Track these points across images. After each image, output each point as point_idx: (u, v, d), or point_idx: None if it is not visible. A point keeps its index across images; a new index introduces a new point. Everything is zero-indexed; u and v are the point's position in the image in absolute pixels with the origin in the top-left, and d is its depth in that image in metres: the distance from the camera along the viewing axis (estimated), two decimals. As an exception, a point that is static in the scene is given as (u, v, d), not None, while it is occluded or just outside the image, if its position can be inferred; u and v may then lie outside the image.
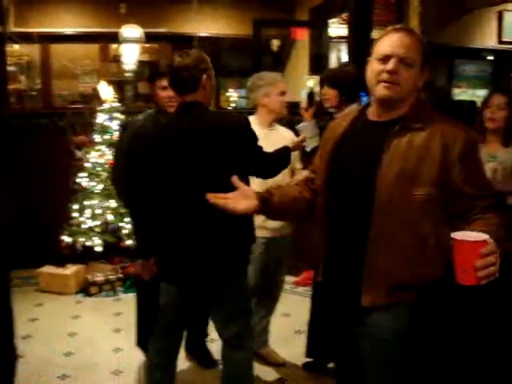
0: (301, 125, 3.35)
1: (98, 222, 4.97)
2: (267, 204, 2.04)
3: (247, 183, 2.34)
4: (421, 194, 1.83)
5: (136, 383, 3.50)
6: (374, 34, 5.23)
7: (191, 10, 7.46)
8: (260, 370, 3.43)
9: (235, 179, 2.01)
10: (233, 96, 5.96)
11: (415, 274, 1.89)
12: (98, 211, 4.97)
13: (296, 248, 3.61)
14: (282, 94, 3.29)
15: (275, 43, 8.33)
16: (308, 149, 3.25)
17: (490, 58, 8.83)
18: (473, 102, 5.46)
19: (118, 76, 7.76)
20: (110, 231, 4.96)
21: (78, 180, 5.08)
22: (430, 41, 6.35)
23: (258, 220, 2.84)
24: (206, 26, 7.80)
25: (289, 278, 4.92)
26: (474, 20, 8.20)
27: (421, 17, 6.59)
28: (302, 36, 7.74)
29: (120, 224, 4.96)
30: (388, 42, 1.90)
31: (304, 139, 3.13)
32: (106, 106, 5.14)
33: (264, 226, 3.20)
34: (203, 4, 7.58)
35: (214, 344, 3.68)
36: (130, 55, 7.54)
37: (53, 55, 7.07)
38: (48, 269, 5.07)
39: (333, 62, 7.53)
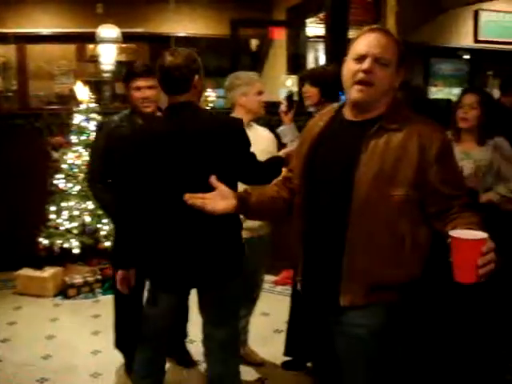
0: (281, 128, 3.35)
1: (75, 224, 4.92)
2: (245, 204, 2.05)
3: (236, 189, 2.32)
4: (399, 195, 1.84)
5: (115, 385, 3.48)
6: (351, 33, 5.26)
7: (168, 10, 7.45)
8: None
9: (213, 179, 2.01)
10: (211, 96, 5.94)
11: (393, 274, 1.90)
12: (76, 213, 4.93)
13: (275, 247, 3.61)
14: (260, 93, 3.29)
15: (254, 43, 8.34)
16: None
17: (466, 56, 8.91)
18: (449, 101, 5.51)
19: (95, 76, 7.72)
20: (87, 233, 4.93)
21: (54, 181, 5.03)
22: (407, 40, 6.41)
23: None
24: (183, 26, 7.79)
25: (268, 278, 4.93)
26: (450, 19, 8.27)
27: (397, 16, 6.64)
28: (280, 36, 7.76)
29: (98, 225, 4.92)
30: (364, 42, 1.91)
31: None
32: (82, 106, 5.10)
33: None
34: (180, 4, 7.57)
35: (193, 345, 3.67)
36: (108, 55, 7.51)
37: (29, 56, 7.00)
38: (26, 271, 5.02)
39: (310, 62, 7.56)
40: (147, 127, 2.66)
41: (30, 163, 5.30)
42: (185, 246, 2.45)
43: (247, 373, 3.52)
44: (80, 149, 5.00)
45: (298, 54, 7.49)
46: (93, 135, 4.72)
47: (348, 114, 2.01)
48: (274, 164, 2.82)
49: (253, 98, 3.27)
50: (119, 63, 7.64)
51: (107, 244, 4.81)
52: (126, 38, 7.31)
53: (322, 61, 6.72)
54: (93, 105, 5.16)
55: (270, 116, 4.51)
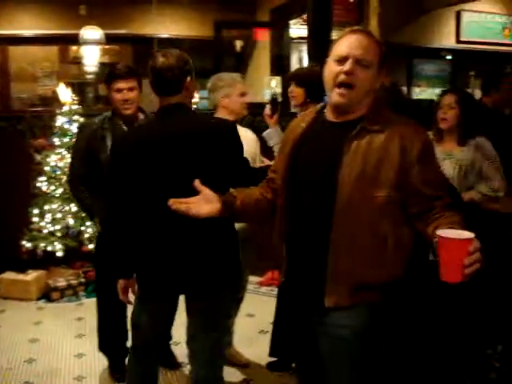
0: (267, 132, 3.35)
1: (58, 227, 4.89)
2: (230, 207, 2.05)
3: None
4: (381, 196, 1.85)
5: (99, 389, 3.46)
6: (334, 34, 5.27)
7: (151, 12, 7.42)
8: (224, 372, 3.41)
9: (197, 183, 2.01)
10: (195, 97, 5.94)
11: (376, 275, 1.90)
12: (59, 215, 4.89)
13: (259, 248, 3.61)
14: (242, 94, 3.29)
15: (238, 44, 8.34)
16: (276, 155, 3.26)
17: (449, 57, 8.97)
18: (431, 101, 5.55)
19: (78, 78, 7.68)
20: (70, 235, 4.90)
21: (37, 184, 4.99)
22: (390, 41, 6.45)
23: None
24: (166, 27, 7.76)
25: (253, 279, 4.94)
26: (432, 20, 8.32)
27: (380, 17, 6.66)
28: (263, 37, 7.77)
29: (81, 228, 4.89)
30: (345, 44, 1.91)
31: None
32: (65, 108, 5.06)
33: None
34: (163, 5, 7.55)
35: (178, 346, 3.66)
36: (91, 57, 7.49)
37: (11, 57, 6.96)
38: (8, 275, 4.99)
39: (294, 63, 7.57)
40: (139, 129, 2.63)
41: (12, 166, 5.25)
42: (176, 252, 2.41)
43: (232, 374, 3.53)
44: (63, 151, 4.97)
45: (282, 55, 7.50)
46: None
47: (330, 115, 2.01)
48: (266, 170, 2.79)
49: (235, 100, 3.27)
50: (102, 65, 7.61)
51: (91, 247, 4.78)
52: (109, 39, 7.28)
53: (306, 62, 6.72)
54: (75, 107, 5.13)
55: (253, 117, 4.53)
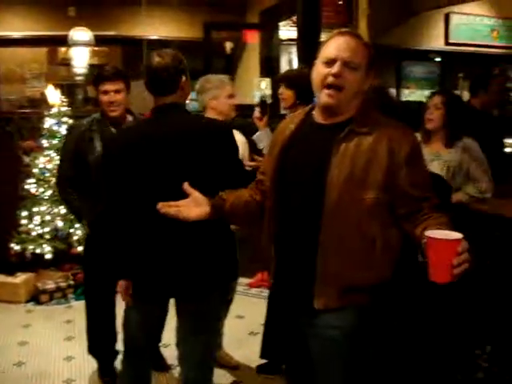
0: (257, 134, 3.34)
1: (47, 229, 4.87)
2: (220, 210, 2.05)
3: None
4: (370, 198, 1.85)
5: (88, 391, 3.45)
6: (323, 36, 5.29)
7: (141, 13, 7.42)
8: (214, 374, 3.40)
9: (186, 186, 2.01)
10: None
11: (364, 277, 1.91)
12: (48, 218, 4.87)
13: (249, 250, 3.60)
14: (230, 96, 3.29)
15: (228, 46, 8.34)
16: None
17: (438, 59, 9.01)
18: (420, 103, 5.58)
19: (67, 80, 7.66)
20: (59, 238, 4.87)
21: (26, 186, 4.97)
22: (379, 43, 6.49)
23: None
24: (155, 28, 7.76)
25: (243, 280, 4.94)
26: (421, 22, 8.35)
27: (369, 19, 6.69)
28: (253, 39, 7.78)
29: (70, 230, 4.87)
30: (333, 46, 1.91)
31: None
32: (54, 110, 5.04)
33: None
34: (153, 7, 7.55)
35: (167, 349, 3.65)
36: (80, 58, 7.47)
37: (0, 59, 6.91)
38: (-3, 278, 4.95)
39: (283, 65, 7.58)
40: (133, 129, 2.60)
41: (0, 168, 5.22)
42: (166, 254, 2.40)
43: (222, 376, 3.52)
44: (51, 153, 4.95)
45: (271, 57, 7.51)
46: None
47: (318, 117, 2.02)
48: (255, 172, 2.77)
49: (223, 101, 3.27)
50: (91, 66, 7.59)
51: (80, 249, 4.75)
52: (99, 41, 7.27)
53: (296, 64, 6.73)
54: (64, 108, 5.11)
55: (243, 119, 4.52)
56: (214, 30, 7.49)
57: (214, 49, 7.84)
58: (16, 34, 7.31)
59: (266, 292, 4.23)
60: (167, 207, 1.97)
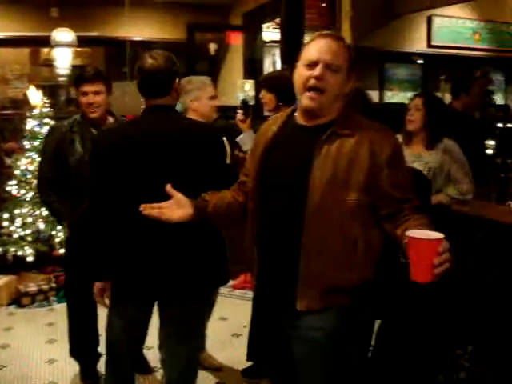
0: (240, 137, 3.33)
1: (29, 231, 4.83)
2: (202, 212, 2.05)
3: None
4: (352, 199, 1.86)
5: (70, 394, 3.43)
6: (307, 38, 5.31)
7: (124, 14, 7.39)
8: (197, 376, 3.41)
9: (169, 187, 2.00)
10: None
11: (346, 278, 1.91)
12: (29, 220, 4.83)
13: (232, 252, 3.60)
14: (212, 98, 3.28)
15: (212, 47, 8.34)
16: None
17: (420, 61, 9.08)
18: (402, 105, 5.61)
19: (50, 80, 7.61)
20: (41, 240, 4.84)
21: (7, 188, 4.92)
22: (362, 45, 6.52)
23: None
24: (139, 30, 7.75)
25: (226, 282, 4.94)
26: (404, 25, 8.42)
27: (352, 21, 6.72)
28: (236, 40, 7.79)
29: (52, 232, 4.83)
30: (315, 48, 1.92)
31: None
32: (36, 111, 5.01)
33: None
34: (136, 8, 7.52)
35: (150, 351, 3.64)
36: (62, 59, 7.43)
37: (-18, 60, 6.87)
38: (-22, 280, 4.90)
39: (267, 66, 7.60)
40: (123, 128, 2.54)
41: (-19, 169, 5.19)
42: (150, 256, 2.37)
43: (205, 378, 3.51)
44: (33, 154, 4.91)
45: (255, 59, 7.53)
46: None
47: (300, 119, 2.02)
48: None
49: (205, 103, 3.26)
50: (74, 67, 7.55)
51: (62, 251, 4.72)
52: (81, 41, 7.24)
53: (279, 65, 6.75)
54: (46, 109, 5.07)
55: (225, 121, 4.52)
56: (197, 32, 7.48)
57: (198, 50, 7.83)
58: (-2, 35, 7.26)
59: (249, 294, 4.23)
60: (149, 209, 1.96)
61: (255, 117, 3.66)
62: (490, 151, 5.40)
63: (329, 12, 6.77)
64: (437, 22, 8.77)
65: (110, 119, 3.20)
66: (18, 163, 4.95)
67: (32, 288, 4.82)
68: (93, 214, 2.48)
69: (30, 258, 4.83)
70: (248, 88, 6.89)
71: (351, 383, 2.04)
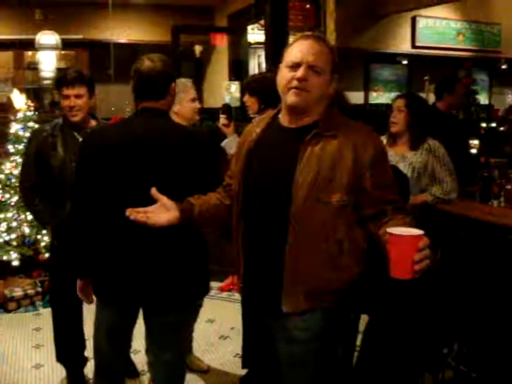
0: (225, 141, 3.32)
1: (14, 236, 4.79)
2: (189, 215, 2.05)
3: None
4: (336, 201, 1.87)
5: (57, 399, 3.41)
6: (291, 39, 5.32)
7: (108, 17, 7.36)
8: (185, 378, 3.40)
9: (154, 191, 2.00)
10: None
11: (332, 278, 1.92)
12: (14, 224, 4.80)
13: (220, 253, 3.61)
14: (194, 100, 3.26)
15: (198, 49, 8.34)
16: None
17: (405, 62, 9.13)
18: (389, 106, 5.64)
19: (35, 84, 7.57)
20: (27, 244, 4.81)
21: (-9, 192, 4.89)
22: (347, 46, 6.54)
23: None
24: (123, 32, 7.72)
25: (213, 284, 4.93)
26: (388, 25, 8.47)
27: (337, 23, 6.74)
28: (221, 42, 7.79)
29: (37, 236, 4.80)
30: (297, 49, 1.92)
31: None
32: (19, 115, 4.97)
33: None
34: (120, 10, 7.50)
35: (137, 355, 3.63)
36: (47, 62, 7.37)
37: (-36, 63, 6.81)
38: (-37, 286, 4.86)
39: (252, 68, 7.61)
40: (113, 132, 2.50)
41: (-35, 174, 5.13)
42: (135, 261, 2.35)
43: (193, 380, 3.51)
44: (18, 158, 4.87)
45: (240, 60, 7.53)
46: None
47: (284, 120, 2.02)
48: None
49: (187, 105, 3.23)
50: (59, 70, 7.51)
51: (48, 255, 4.69)
52: (66, 44, 7.19)
53: (264, 67, 6.76)
54: (31, 113, 5.04)
55: (212, 123, 4.52)
56: (182, 34, 7.48)
57: (183, 52, 7.82)
58: (-20, 38, 7.21)
59: (237, 295, 4.22)
60: (135, 213, 1.96)
61: (242, 119, 3.65)
62: (474, 151, 5.44)
63: (313, 13, 6.77)
64: (421, 23, 8.83)
65: (93, 122, 3.19)
66: (3, 167, 4.91)
67: (18, 293, 4.78)
68: (76, 216, 2.46)
69: (15, 263, 4.78)
70: (234, 90, 6.90)
71: (337, 383, 2.05)
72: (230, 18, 7.68)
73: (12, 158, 4.91)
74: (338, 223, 1.90)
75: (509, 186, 3.59)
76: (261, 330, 2.16)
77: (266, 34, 5.60)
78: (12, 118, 5.03)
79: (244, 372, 3.48)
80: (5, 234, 4.79)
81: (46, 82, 7.56)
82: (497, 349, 2.90)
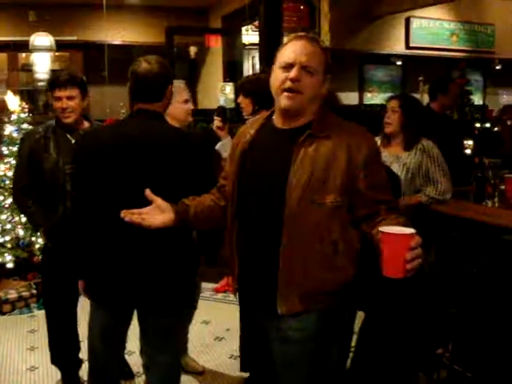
0: (219, 144, 3.32)
1: (8, 238, 4.79)
2: (184, 216, 2.05)
3: None
4: (330, 201, 1.87)
5: (52, 402, 3.41)
6: (286, 40, 5.33)
7: (102, 18, 7.35)
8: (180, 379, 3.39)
9: (149, 193, 1.99)
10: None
11: (327, 279, 1.92)
12: (8, 226, 4.79)
13: (214, 255, 3.60)
14: (186, 101, 3.24)
15: (193, 50, 8.33)
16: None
17: (399, 63, 9.15)
18: (383, 106, 5.64)
19: (29, 85, 7.55)
20: (21, 246, 4.80)
21: (-15, 194, 4.88)
22: (341, 47, 6.55)
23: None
24: (117, 33, 7.71)
25: (208, 285, 4.94)
26: (382, 26, 8.48)
27: (331, 24, 6.74)
28: (216, 43, 7.79)
29: (32, 239, 4.79)
30: (290, 50, 1.92)
31: None
32: (13, 117, 4.97)
33: None
34: (115, 12, 7.49)
35: (132, 356, 3.63)
36: (41, 64, 7.36)
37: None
38: (-43, 288, 4.85)
39: (246, 69, 7.61)
40: (109, 133, 2.50)
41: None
42: (129, 263, 2.35)
43: (188, 381, 3.50)
44: (11, 160, 4.86)
45: (235, 62, 7.53)
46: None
47: (277, 121, 2.02)
48: None
49: (179, 107, 3.20)
50: (53, 72, 7.49)
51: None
52: (60, 46, 7.18)
53: (259, 68, 6.77)
54: (25, 115, 5.03)
55: (206, 124, 4.52)
56: (176, 35, 7.47)
57: (178, 53, 7.82)
58: (-26, 40, 7.20)
59: (232, 297, 4.23)
60: (130, 215, 1.95)
61: (237, 120, 3.65)
62: (468, 151, 5.46)
63: (307, 14, 6.79)
64: (415, 24, 8.85)
65: (86, 124, 3.18)
66: (-4, 169, 4.91)
67: (12, 295, 4.78)
68: (74, 217, 2.48)
69: (10, 265, 4.80)
70: (228, 91, 6.90)
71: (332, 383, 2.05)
72: (224, 19, 7.68)
73: (6, 160, 4.91)
74: (333, 224, 1.90)
75: (503, 187, 3.59)
76: (256, 330, 2.16)
77: (261, 35, 5.60)
78: (6, 119, 5.02)
79: (240, 374, 3.48)
80: (-1, 236, 4.79)
81: (40, 83, 7.53)
82: (491, 348, 2.90)
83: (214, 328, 4.32)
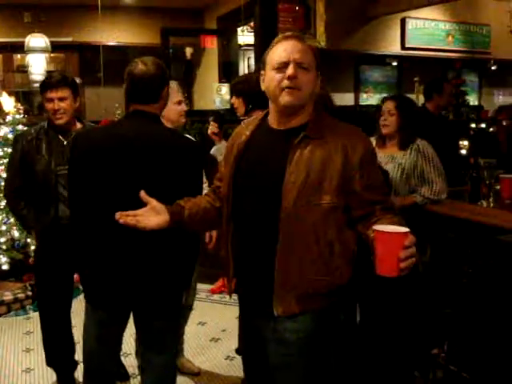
0: (214, 148, 3.32)
1: (3, 239, 4.78)
2: (179, 218, 2.04)
3: None
4: (326, 203, 1.86)
5: (47, 403, 3.40)
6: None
7: (98, 19, 7.35)
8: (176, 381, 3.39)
9: (143, 194, 1.98)
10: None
11: (324, 281, 1.91)
12: (3, 228, 4.78)
13: (210, 256, 3.59)
14: (180, 103, 3.24)
15: (188, 51, 8.33)
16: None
17: (395, 63, 9.16)
18: (379, 106, 5.64)
19: (24, 87, 7.55)
20: (16, 248, 4.78)
21: (-20, 196, 4.86)
22: (337, 48, 6.54)
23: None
24: (113, 34, 7.71)
25: (204, 286, 4.93)
26: (378, 27, 8.48)
27: (326, 24, 6.75)
28: (211, 44, 7.79)
29: (27, 240, 4.78)
30: (282, 49, 1.90)
31: None
32: (9, 118, 4.96)
33: None
34: (110, 13, 7.49)
35: (128, 358, 3.62)
36: (36, 65, 7.35)
37: (-48, 67, 6.78)
38: (-48, 290, 4.83)
39: (242, 70, 7.62)
40: (104, 134, 2.48)
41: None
42: (125, 264, 2.35)
43: (184, 382, 3.50)
44: (6, 162, 4.84)
45: (230, 62, 7.54)
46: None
47: (273, 122, 2.01)
48: None
49: (172, 108, 3.18)
50: (49, 73, 7.49)
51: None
52: (56, 47, 7.18)
53: (254, 69, 6.78)
54: (20, 116, 5.02)
55: (201, 125, 4.52)
56: (171, 36, 7.47)
57: (174, 54, 7.82)
58: (-31, 42, 7.19)
59: (227, 298, 4.23)
60: (125, 216, 1.95)
61: (233, 120, 3.65)
62: (463, 151, 5.46)
63: (303, 15, 6.79)
64: (410, 25, 8.86)
65: (78, 125, 3.17)
66: (-9, 171, 4.90)
67: (8, 297, 4.76)
68: (73, 218, 2.48)
69: (5, 267, 4.78)
70: (224, 92, 6.90)
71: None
72: (219, 20, 7.68)
73: (1, 162, 4.90)
74: (329, 225, 1.89)
75: (498, 187, 3.60)
76: (252, 331, 2.16)
77: (256, 36, 5.61)
78: (1, 121, 5.01)
79: (236, 374, 3.49)
80: (-6, 238, 4.78)
81: (35, 85, 7.52)
82: (486, 348, 2.91)
83: (210, 329, 4.31)
